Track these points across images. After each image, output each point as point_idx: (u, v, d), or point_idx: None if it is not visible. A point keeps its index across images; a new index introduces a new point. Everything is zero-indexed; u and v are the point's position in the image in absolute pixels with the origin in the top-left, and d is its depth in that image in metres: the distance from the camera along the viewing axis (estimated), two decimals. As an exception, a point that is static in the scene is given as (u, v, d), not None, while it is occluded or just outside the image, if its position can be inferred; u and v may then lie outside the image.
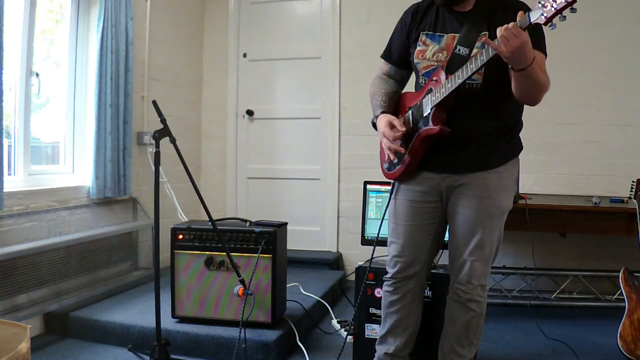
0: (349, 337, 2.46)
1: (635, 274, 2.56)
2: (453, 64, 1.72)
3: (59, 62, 3.08)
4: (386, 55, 2.03)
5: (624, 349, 2.33)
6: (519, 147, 1.93)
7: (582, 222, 2.86)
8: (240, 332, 2.30)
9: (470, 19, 1.75)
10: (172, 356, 2.23)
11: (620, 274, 2.54)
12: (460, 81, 1.65)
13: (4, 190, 2.36)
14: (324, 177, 4.12)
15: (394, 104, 1.97)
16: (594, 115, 3.58)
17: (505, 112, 1.81)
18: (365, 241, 2.55)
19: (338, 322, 2.85)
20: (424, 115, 1.78)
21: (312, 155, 4.13)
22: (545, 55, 1.73)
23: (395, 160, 1.90)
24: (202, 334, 2.41)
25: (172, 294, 2.52)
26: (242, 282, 2.40)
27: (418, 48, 1.85)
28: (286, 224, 2.63)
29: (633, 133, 3.53)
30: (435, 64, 1.80)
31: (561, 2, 1.38)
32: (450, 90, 1.68)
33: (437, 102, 1.73)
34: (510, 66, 1.58)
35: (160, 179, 2.19)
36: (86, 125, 3.10)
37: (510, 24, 1.46)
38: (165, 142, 2.19)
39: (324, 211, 4.11)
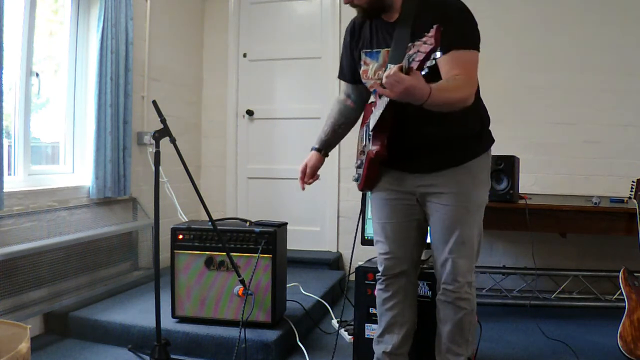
0: (344, 332, 2.46)
1: (635, 274, 2.56)
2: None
3: (59, 62, 3.08)
4: (341, 75, 2.06)
5: (624, 349, 2.32)
6: (489, 141, 1.91)
7: (582, 222, 2.86)
8: (240, 332, 2.30)
9: (397, 30, 1.72)
10: (172, 356, 2.23)
11: (620, 274, 2.54)
12: (379, 111, 1.67)
13: (4, 190, 2.36)
14: (324, 177, 4.07)
15: (338, 137, 2.12)
16: (594, 115, 3.58)
17: (456, 113, 1.70)
18: (365, 241, 2.56)
19: (338, 322, 2.85)
20: (369, 136, 1.83)
21: (312, 155, 4.12)
22: (476, 48, 1.66)
23: (357, 175, 1.96)
24: (202, 334, 2.41)
25: (172, 294, 2.52)
26: (242, 282, 2.40)
27: (362, 68, 1.86)
28: (286, 224, 2.64)
29: (633, 133, 3.53)
30: (378, 81, 1.76)
31: (425, 50, 1.33)
32: (377, 117, 1.71)
33: (372, 127, 1.77)
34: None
35: (160, 179, 2.19)
36: (86, 125, 3.11)
37: (392, 70, 1.41)
38: (165, 142, 2.19)
39: (324, 211, 4.11)
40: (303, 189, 2.09)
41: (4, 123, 2.43)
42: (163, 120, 2.18)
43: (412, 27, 1.67)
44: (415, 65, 1.37)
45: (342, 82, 2.08)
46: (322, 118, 4.03)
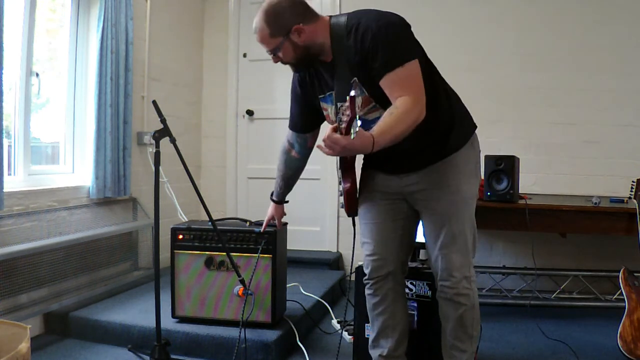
0: (344, 332, 2.45)
1: (635, 274, 2.56)
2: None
3: (59, 62, 3.08)
4: (292, 125, 2.07)
5: (624, 349, 2.33)
6: (470, 130, 1.88)
7: (582, 222, 2.85)
8: (240, 332, 2.30)
9: (337, 69, 1.72)
10: (172, 356, 2.23)
11: (620, 274, 2.54)
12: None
13: (4, 190, 2.36)
14: (324, 177, 4.12)
15: (290, 185, 2.29)
16: (594, 115, 3.58)
17: (427, 118, 1.63)
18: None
19: (338, 322, 2.85)
20: (338, 176, 1.92)
21: (312, 155, 4.10)
22: (409, 59, 1.61)
23: (340, 192, 1.98)
24: (202, 334, 2.41)
25: (172, 294, 2.52)
26: (242, 282, 2.40)
27: (325, 114, 1.88)
28: (286, 224, 2.63)
29: (633, 133, 3.53)
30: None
31: (347, 120, 1.41)
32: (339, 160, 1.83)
33: (338, 165, 1.87)
34: None
35: (160, 179, 2.19)
36: (86, 125, 3.11)
37: (326, 134, 1.42)
38: (165, 142, 2.19)
39: (324, 211, 4.11)
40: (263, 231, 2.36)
41: (4, 123, 2.42)
42: (163, 120, 2.18)
43: (348, 62, 1.68)
44: (343, 130, 1.43)
45: (290, 132, 2.09)
46: (322, 118, 4.08)
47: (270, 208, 2.34)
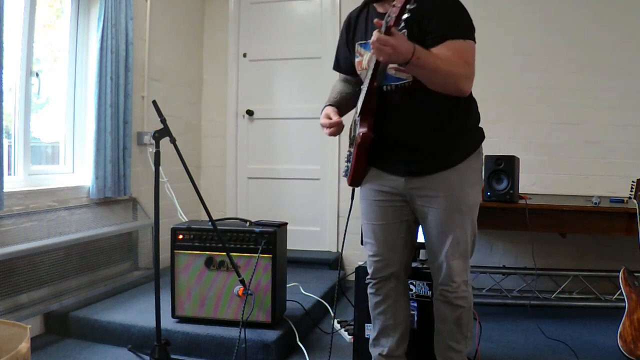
0: (344, 332, 2.45)
1: (635, 274, 2.56)
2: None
3: (59, 62, 3.08)
4: (336, 67, 2.08)
5: (624, 349, 2.33)
6: (479, 138, 1.89)
7: (582, 222, 2.85)
8: (240, 332, 2.30)
9: None
10: (172, 356, 2.23)
11: (620, 274, 2.54)
12: (365, 88, 1.69)
13: (4, 190, 2.36)
14: (324, 177, 4.12)
15: (346, 102, 2.00)
16: (594, 115, 3.58)
17: (447, 102, 1.73)
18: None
19: (338, 322, 2.85)
20: (356, 123, 1.84)
21: (312, 155, 4.13)
22: (471, 38, 1.68)
23: (345, 168, 1.96)
24: (202, 334, 2.41)
25: (172, 294, 2.52)
26: (242, 282, 2.40)
27: (356, 60, 1.88)
28: (286, 224, 2.63)
29: (633, 133, 3.53)
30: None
31: (400, 3, 1.42)
32: (362, 97, 1.74)
33: (358, 110, 1.79)
34: (397, 65, 1.59)
35: (160, 179, 2.19)
36: (86, 125, 3.11)
37: (374, 36, 1.48)
38: (165, 142, 2.19)
39: (324, 211, 4.11)
40: (335, 125, 1.86)
41: (4, 123, 2.43)
42: (163, 120, 2.18)
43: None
44: (392, 22, 1.43)
45: (339, 75, 2.09)
46: (322, 118, 4.08)
47: (324, 111, 1.96)
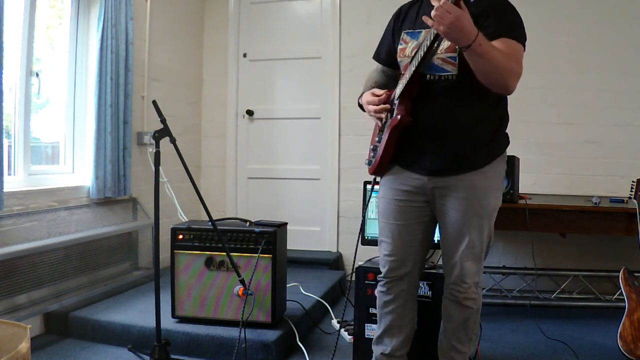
0: (344, 332, 2.45)
1: (635, 274, 2.56)
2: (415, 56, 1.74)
3: (59, 62, 3.08)
4: (376, 57, 2.08)
5: (624, 349, 2.32)
6: (505, 143, 1.90)
7: (582, 222, 2.86)
8: (240, 332, 2.30)
9: None
10: (172, 356, 2.23)
11: (620, 274, 2.54)
12: (409, 74, 1.70)
13: (4, 190, 2.36)
14: (324, 177, 4.11)
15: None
16: (594, 115, 3.58)
17: (485, 103, 1.78)
18: (365, 241, 2.55)
19: (338, 322, 2.85)
20: (393, 107, 1.83)
21: (312, 155, 4.13)
22: (523, 44, 1.73)
23: (370, 157, 1.95)
24: (202, 334, 2.41)
25: (172, 294, 2.52)
26: (242, 282, 2.40)
27: (400, 47, 1.88)
28: (286, 224, 2.63)
29: (633, 133, 3.53)
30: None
31: None
32: (407, 79, 1.73)
33: (399, 92, 1.78)
34: (457, 47, 1.59)
35: (160, 179, 2.19)
36: (86, 125, 3.11)
37: (442, 1, 1.46)
38: (165, 142, 2.19)
39: (324, 211, 4.11)
40: (384, 100, 1.87)
41: (4, 123, 2.43)
42: (163, 120, 2.18)
43: None
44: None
45: (376, 64, 2.09)
46: (322, 118, 4.10)
47: (365, 95, 1.96)
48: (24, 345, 1.59)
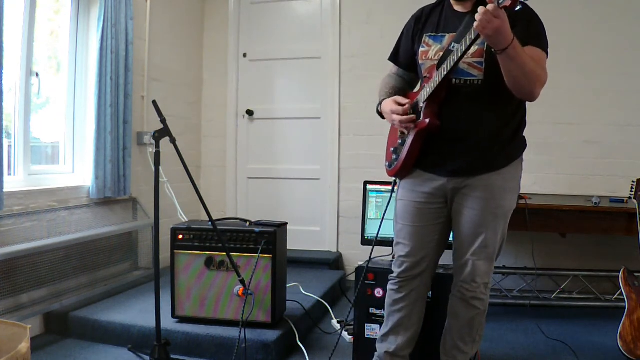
0: (344, 332, 2.45)
1: (635, 274, 2.56)
2: (445, 60, 1.74)
3: (59, 62, 3.08)
4: (393, 58, 2.07)
5: (624, 349, 2.33)
6: (523, 146, 1.95)
7: (582, 222, 2.86)
8: (240, 332, 2.30)
9: (468, 18, 1.77)
10: (172, 356, 2.23)
11: (620, 274, 2.54)
12: (445, 72, 1.69)
13: (4, 190, 2.36)
14: (324, 177, 4.11)
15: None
16: (594, 115, 3.58)
17: (508, 108, 1.82)
18: (365, 241, 2.56)
19: (338, 322, 2.85)
20: (419, 110, 1.83)
21: (312, 155, 4.13)
22: (546, 52, 1.75)
23: (394, 156, 1.94)
24: (202, 334, 2.41)
25: (172, 294, 2.52)
26: (242, 282, 2.40)
27: (421, 49, 1.88)
28: (286, 224, 2.63)
29: (633, 133, 3.53)
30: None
31: None
32: (437, 82, 1.73)
33: (427, 96, 1.78)
34: (494, 50, 1.59)
35: (160, 179, 2.19)
36: (86, 125, 3.11)
37: (489, 6, 1.48)
38: (165, 142, 2.19)
39: (324, 211, 4.11)
40: (407, 110, 1.85)
41: (4, 123, 2.42)
42: (163, 120, 2.18)
43: None
44: (508, 3, 1.43)
45: (393, 67, 2.08)
46: (322, 118, 4.10)
47: (387, 105, 1.94)
48: (24, 345, 1.59)
